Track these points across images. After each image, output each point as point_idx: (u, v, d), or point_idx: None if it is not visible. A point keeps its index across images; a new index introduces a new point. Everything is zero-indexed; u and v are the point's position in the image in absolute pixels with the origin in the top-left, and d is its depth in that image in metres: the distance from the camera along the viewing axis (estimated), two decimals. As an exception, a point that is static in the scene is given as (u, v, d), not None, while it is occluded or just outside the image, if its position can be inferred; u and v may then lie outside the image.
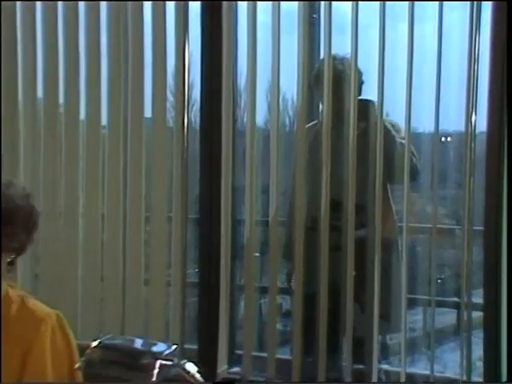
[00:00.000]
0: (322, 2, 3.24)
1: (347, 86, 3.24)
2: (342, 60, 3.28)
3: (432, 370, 3.20)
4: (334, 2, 3.20)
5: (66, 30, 3.60)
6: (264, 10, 3.31)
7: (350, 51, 3.22)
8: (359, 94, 3.30)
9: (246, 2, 3.33)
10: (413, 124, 3.18)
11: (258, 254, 3.54)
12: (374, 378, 3.24)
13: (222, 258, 3.42)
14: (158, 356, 1.55)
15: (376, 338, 3.24)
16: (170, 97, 3.55)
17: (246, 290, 3.48)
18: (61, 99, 3.62)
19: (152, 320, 3.55)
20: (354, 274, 3.26)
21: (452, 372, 3.37)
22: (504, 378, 2.93)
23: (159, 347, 1.62)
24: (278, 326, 3.59)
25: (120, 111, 3.52)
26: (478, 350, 3.13)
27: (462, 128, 3.08)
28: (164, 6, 3.45)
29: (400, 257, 3.31)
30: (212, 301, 3.44)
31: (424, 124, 3.26)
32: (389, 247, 3.33)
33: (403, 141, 3.21)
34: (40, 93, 3.65)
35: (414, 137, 3.29)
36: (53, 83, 3.63)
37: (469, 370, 3.12)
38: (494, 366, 3.00)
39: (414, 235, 3.56)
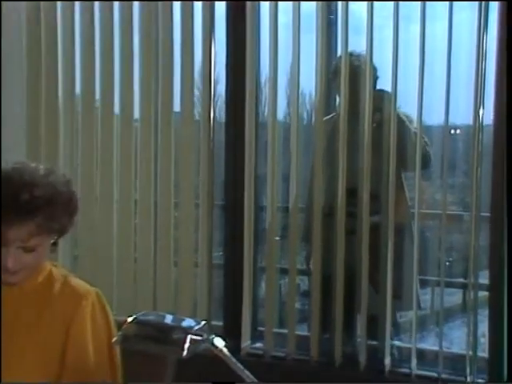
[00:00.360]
0: (339, 3, 3.20)
1: (363, 80, 3.19)
2: (358, 56, 3.27)
3: (440, 346, 3.19)
4: (350, 4, 3.16)
5: (101, 31, 3.60)
6: (285, 11, 3.28)
7: (364, 49, 3.17)
8: (374, 88, 3.28)
9: (268, 3, 3.30)
10: (424, 117, 3.15)
11: (278, 238, 3.51)
12: (387, 354, 3.23)
13: (245, 242, 3.43)
14: (188, 331, 1.57)
15: (389, 316, 3.23)
16: (196, 92, 3.53)
17: (267, 272, 3.50)
18: (97, 95, 3.64)
19: (181, 298, 3.57)
20: (368, 256, 3.23)
21: (458, 348, 3.38)
22: (505, 354, 2.93)
23: (189, 323, 1.63)
24: (297, 305, 3.58)
25: (151, 106, 3.53)
26: (482, 328, 3.13)
27: (470, 121, 3.06)
28: (192, 6, 3.42)
29: (412, 240, 3.28)
30: (236, 281, 3.46)
31: (434, 117, 3.22)
32: (402, 231, 3.33)
33: (416, 131, 3.18)
34: (78, 89, 3.67)
35: (425, 129, 3.26)
36: (90, 80, 3.64)
37: (474, 345, 3.12)
38: (497, 343, 3.01)
39: (425, 221, 3.52)
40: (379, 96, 3.26)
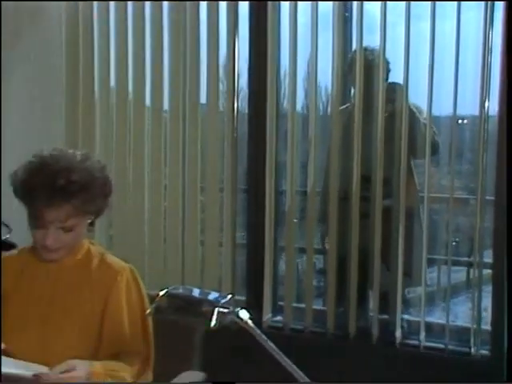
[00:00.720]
0: (354, 3, 3.20)
1: (376, 72, 3.19)
2: (372, 51, 3.25)
3: (447, 320, 3.19)
4: (364, 4, 3.14)
5: (134, 28, 3.59)
6: (303, 10, 3.28)
7: (378, 45, 3.17)
8: (386, 80, 3.27)
9: (288, 3, 3.29)
10: (433, 108, 3.14)
11: (296, 220, 3.50)
12: (398, 327, 3.23)
13: (266, 223, 3.43)
14: (216, 304, 1.58)
15: (400, 292, 3.23)
16: (221, 86, 3.53)
17: (286, 251, 3.49)
18: (130, 88, 3.63)
19: (206, 275, 3.58)
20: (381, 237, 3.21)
21: (463, 321, 3.36)
22: (505, 327, 2.93)
23: (216, 296, 1.64)
24: (314, 282, 3.56)
25: (179, 98, 3.53)
26: (485, 303, 3.12)
27: (477, 112, 3.05)
28: (217, 6, 3.42)
29: (421, 222, 3.28)
30: (258, 259, 3.46)
31: (443, 108, 3.22)
32: (411, 214, 3.30)
33: (425, 121, 3.18)
34: (112, 83, 3.67)
35: (434, 119, 3.24)
36: (123, 74, 3.64)
37: (478, 319, 3.12)
38: (499, 316, 3.00)
39: (433, 204, 3.49)
40: (392, 88, 3.25)
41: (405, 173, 3.19)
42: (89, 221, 1.98)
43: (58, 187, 1.84)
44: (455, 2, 3.01)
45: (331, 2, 3.23)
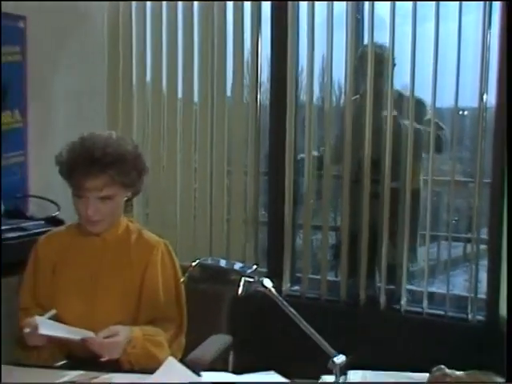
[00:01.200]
0: (366, 3, 3.19)
1: (386, 66, 3.19)
2: (380, 46, 3.24)
3: (447, 290, 3.20)
4: (374, 5, 3.16)
5: (167, 29, 3.61)
6: (320, 11, 3.30)
7: (386, 43, 3.19)
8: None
9: (306, 4, 3.31)
10: (437, 101, 3.15)
11: (312, 201, 3.49)
12: (403, 296, 3.23)
13: (285, 203, 3.45)
14: (242, 274, 1.62)
15: (405, 265, 3.24)
16: (245, 80, 3.53)
17: (303, 228, 3.50)
18: (164, 82, 3.65)
19: (232, 250, 3.60)
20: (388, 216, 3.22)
21: (461, 291, 3.36)
22: (500, 296, 2.97)
23: (241, 266, 1.68)
24: (328, 256, 3.55)
25: (208, 91, 3.55)
26: (481, 274, 3.13)
27: (476, 104, 3.05)
28: (242, 7, 3.44)
29: (424, 203, 3.28)
30: (278, 235, 3.49)
31: (446, 100, 3.21)
32: (416, 195, 3.30)
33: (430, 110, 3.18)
34: (148, 77, 3.70)
35: (438, 110, 3.24)
36: (157, 70, 3.66)
37: (475, 289, 3.12)
38: (494, 286, 3.03)
39: (436, 186, 3.42)
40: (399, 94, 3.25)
41: (411, 158, 3.17)
42: (125, 198, 2.01)
43: (95, 159, 1.89)
44: (457, 4, 3.00)
45: (344, 4, 3.23)
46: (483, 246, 3.14)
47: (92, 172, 1.89)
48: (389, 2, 3.13)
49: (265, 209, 3.65)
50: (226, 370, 2.01)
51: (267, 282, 1.61)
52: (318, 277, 3.48)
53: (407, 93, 3.20)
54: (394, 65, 3.25)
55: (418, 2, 3.10)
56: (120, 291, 1.98)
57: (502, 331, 2.92)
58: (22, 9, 3.28)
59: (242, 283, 1.60)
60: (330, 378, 1.56)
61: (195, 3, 3.54)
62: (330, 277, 3.53)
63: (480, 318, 3.13)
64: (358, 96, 3.41)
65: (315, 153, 3.44)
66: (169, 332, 2.00)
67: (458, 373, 1.51)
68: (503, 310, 2.95)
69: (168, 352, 1.92)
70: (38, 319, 1.84)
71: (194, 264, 1.68)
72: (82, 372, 1.78)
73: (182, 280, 1.80)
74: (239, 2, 3.46)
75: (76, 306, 1.97)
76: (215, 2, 3.50)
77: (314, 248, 3.76)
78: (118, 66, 3.72)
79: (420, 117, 3.24)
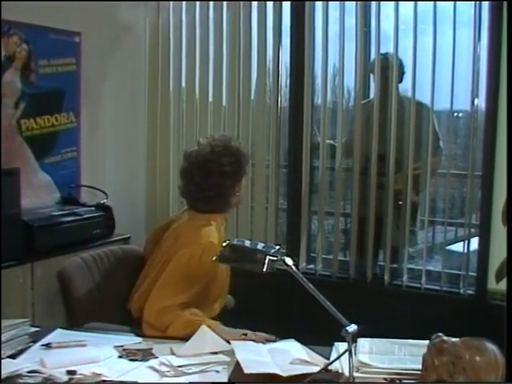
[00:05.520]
0: (373, 18, 3.22)
1: (391, 72, 3.19)
2: (387, 56, 3.23)
3: (442, 268, 3.21)
4: (380, 21, 3.17)
5: (200, 39, 3.62)
6: (332, 24, 3.31)
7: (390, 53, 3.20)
8: (401, 80, 3.25)
9: (320, 18, 3.33)
10: (435, 104, 3.15)
11: (326, 190, 3.49)
12: (404, 273, 3.23)
13: (302, 192, 3.47)
14: (267, 253, 1.67)
15: (407, 246, 3.25)
16: (268, 85, 3.52)
17: (318, 214, 3.52)
18: (196, 87, 3.67)
19: (255, 233, 3.61)
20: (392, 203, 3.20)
21: (453, 269, 3.30)
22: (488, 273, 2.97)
23: (265, 246, 1.73)
24: (339, 238, 3.54)
25: (235, 95, 3.58)
26: (471, 254, 3.14)
27: (468, 107, 3.09)
28: (265, 23, 3.44)
29: (423, 192, 3.29)
30: (295, 221, 3.50)
31: (442, 104, 3.20)
32: (416, 186, 3.27)
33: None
34: (183, 83, 3.72)
35: (436, 112, 3.23)
36: (191, 77, 3.68)
37: (466, 267, 3.14)
38: (483, 265, 3.04)
39: (434, 178, 3.40)
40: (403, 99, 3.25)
41: (412, 154, 3.17)
42: None
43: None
44: (451, 21, 3.00)
45: (354, 19, 3.23)
46: (474, 230, 3.15)
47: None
48: (393, 18, 3.14)
49: (284, 197, 3.64)
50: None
51: (289, 260, 1.65)
52: (331, 257, 3.50)
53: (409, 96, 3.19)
54: (403, 72, 3.26)
55: (419, 19, 3.09)
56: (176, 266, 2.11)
57: (490, 303, 2.99)
58: (77, 25, 3.39)
59: (266, 261, 1.65)
60: (343, 345, 1.61)
61: (224, 19, 3.57)
62: (341, 257, 3.53)
63: (470, 292, 3.14)
64: (369, 99, 3.39)
65: (331, 142, 3.43)
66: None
67: (453, 339, 1.53)
68: (491, 285, 2.95)
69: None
70: None
71: (224, 244, 1.74)
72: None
73: (213, 259, 1.82)
74: (262, 17, 3.48)
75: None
76: (242, 18, 3.51)
77: (327, 232, 3.73)
78: (157, 73, 3.75)
79: (420, 117, 3.22)
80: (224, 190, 2.18)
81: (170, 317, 1.98)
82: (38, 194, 3.31)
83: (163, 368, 1.70)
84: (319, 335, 1.73)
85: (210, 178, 2.16)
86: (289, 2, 3.42)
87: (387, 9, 3.19)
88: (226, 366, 1.72)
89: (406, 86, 3.25)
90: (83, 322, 2.09)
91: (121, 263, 2.38)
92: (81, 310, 2.17)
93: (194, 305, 2.04)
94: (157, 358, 1.77)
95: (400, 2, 3.13)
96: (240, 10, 3.52)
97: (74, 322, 2.12)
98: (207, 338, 1.86)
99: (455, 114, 3.39)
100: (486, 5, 2.93)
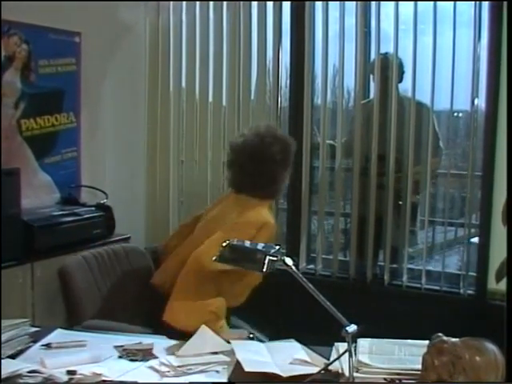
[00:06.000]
0: (373, 19, 3.21)
1: (391, 72, 3.19)
2: (387, 55, 3.22)
3: (443, 268, 3.20)
4: (380, 22, 3.17)
5: (200, 39, 3.62)
6: (332, 25, 3.30)
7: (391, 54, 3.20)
8: (401, 80, 3.25)
9: (320, 18, 3.33)
10: (435, 104, 3.16)
11: (325, 190, 3.48)
12: (404, 274, 3.23)
13: (302, 192, 3.47)
14: (267, 253, 1.66)
15: (406, 246, 3.25)
16: (267, 85, 3.52)
17: (318, 214, 3.52)
18: (196, 88, 3.67)
19: None
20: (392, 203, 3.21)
21: (454, 269, 3.35)
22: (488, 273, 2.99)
23: (265, 246, 1.71)
24: (339, 239, 3.52)
25: (235, 95, 3.57)
26: (472, 255, 3.14)
27: (468, 107, 3.09)
28: (265, 24, 3.44)
29: (423, 192, 3.28)
30: (295, 220, 3.50)
31: (443, 104, 3.20)
32: (416, 186, 3.27)
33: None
34: (183, 83, 3.71)
35: (436, 112, 3.23)
36: (191, 77, 3.68)
37: (466, 267, 3.14)
38: (483, 265, 3.04)
39: (434, 178, 3.42)
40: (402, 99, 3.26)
41: (412, 154, 3.17)
42: None
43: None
44: (451, 21, 3.00)
45: (354, 19, 3.23)
46: (474, 230, 3.15)
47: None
48: (393, 18, 3.14)
49: (284, 197, 3.59)
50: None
51: (289, 261, 1.65)
52: (331, 257, 3.49)
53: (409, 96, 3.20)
54: (403, 72, 3.26)
55: (419, 19, 3.09)
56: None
57: (490, 303, 2.99)
58: (77, 25, 3.39)
59: (266, 261, 1.64)
60: (343, 345, 1.60)
61: (224, 19, 3.57)
62: (341, 257, 3.53)
63: (470, 292, 3.14)
64: (368, 99, 3.38)
65: (331, 142, 3.43)
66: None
67: (453, 339, 1.54)
68: (491, 285, 2.96)
69: None
70: None
71: (223, 245, 1.72)
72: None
73: (213, 259, 1.78)
74: (262, 18, 3.48)
75: None
76: (242, 19, 3.51)
77: (327, 232, 3.72)
78: (157, 73, 3.75)
79: (420, 117, 3.22)
80: (276, 177, 2.34)
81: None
82: (38, 194, 3.32)
83: (163, 368, 1.71)
84: (319, 335, 1.73)
85: (263, 165, 2.30)
86: (289, 2, 3.42)
87: (387, 9, 3.19)
88: (225, 366, 1.73)
89: (405, 86, 3.27)
90: (83, 319, 2.10)
91: (122, 261, 2.40)
92: (81, 307, 2.19)
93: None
94: (157, 358, 1.78)
95: (400, 2, 3.13)
96: (240, 10, 3.52)
97: (74, 320, 2.13)
98: (207, 338, 1.87)
99: (455, 114, 3.39)
100: (486, 5, 2.94)
